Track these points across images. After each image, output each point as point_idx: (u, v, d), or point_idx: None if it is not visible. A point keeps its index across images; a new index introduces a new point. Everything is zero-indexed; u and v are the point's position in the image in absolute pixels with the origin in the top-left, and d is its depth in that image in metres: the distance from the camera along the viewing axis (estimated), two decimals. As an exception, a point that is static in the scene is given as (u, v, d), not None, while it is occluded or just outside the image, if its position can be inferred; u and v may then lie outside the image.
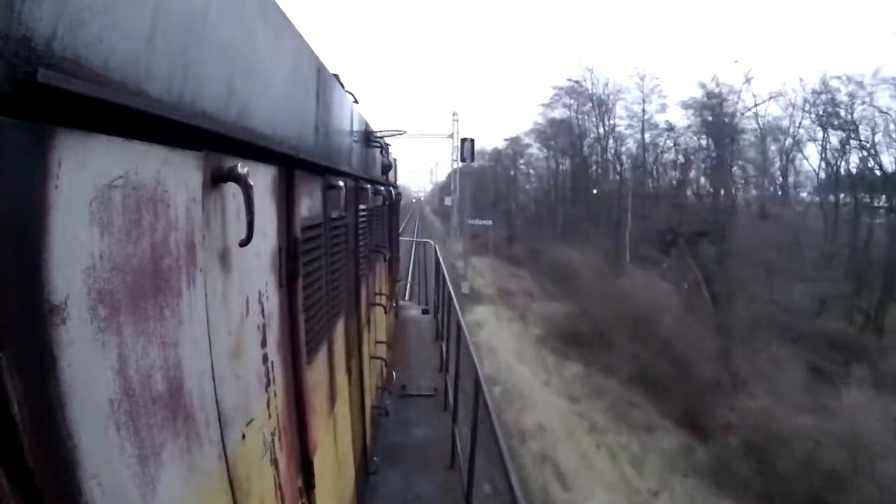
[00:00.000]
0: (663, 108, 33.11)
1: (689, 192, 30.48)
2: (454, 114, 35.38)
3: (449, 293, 6.07)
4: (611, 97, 33.59)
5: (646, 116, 32.29)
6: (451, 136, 35.05)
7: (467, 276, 25.97)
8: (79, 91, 0.65)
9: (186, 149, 0.99)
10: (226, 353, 1.20)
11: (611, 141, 33.87)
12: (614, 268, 27.83)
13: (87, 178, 0.71)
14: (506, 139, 42.09)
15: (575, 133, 35.41)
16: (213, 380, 1.11)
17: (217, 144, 1.11)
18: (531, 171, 40.51)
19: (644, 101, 32.59)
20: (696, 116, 30.34)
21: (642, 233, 29.83)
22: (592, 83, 34.00)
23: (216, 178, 1.13)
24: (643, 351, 19.65)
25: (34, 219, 0.62)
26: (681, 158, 31.66)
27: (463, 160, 24.32)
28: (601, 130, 34.23)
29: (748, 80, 27.32)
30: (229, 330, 1.23)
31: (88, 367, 0.70)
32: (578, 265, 26.51)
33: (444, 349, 6.55)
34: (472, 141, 23.46)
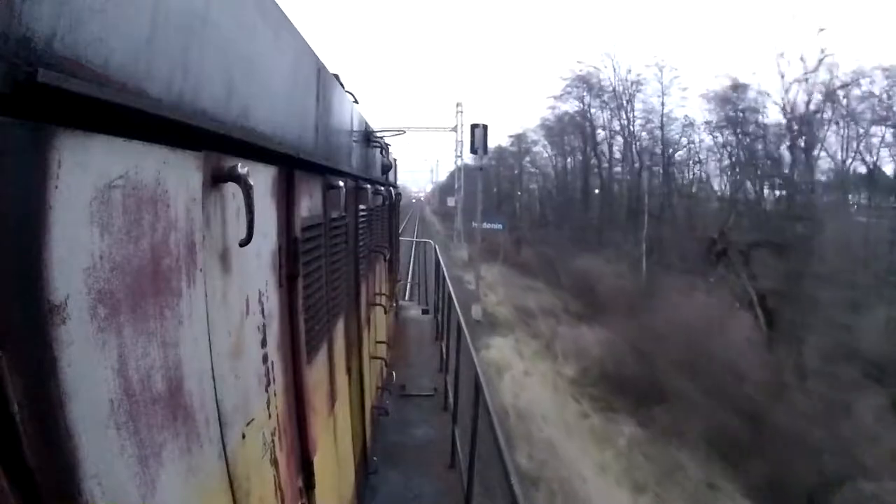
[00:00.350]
0: (680, 101, 30.07)
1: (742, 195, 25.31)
2: (458, 104, 32.13)
3: (449, 293, 6.07)
4: (633, 85, 29.46)
5: (665, 110, 28.39)
6: (455, 128, 31.45)
7: (479, 294, 20.61)
8: (79, 91, 0.65)
9: (186, 149, 0.99)
10: (226, 353, 1.20)
11: (627, 136, 29.81)
12: (637, 277, 23.47)
13: (87, 178, 0.71)
14: (510, 136, 39.31)
15: (587, 128, 31.70)
16: (213, 380, 1.11)
17: (217, 144, 1.11)
18: (536, 169, 37.75)
19: (663, 93, 28.45)
20: (719, 112, 25.93)
21: (666, 238, 25.17)
22: (615, 68, 29.76)
23: (216, 178, 1.13)
24: (709, 399, 14.61)
25: (34, 219, 0.62)
26: (699, 156, 27.51)
27: (474, 151, 19.95)
28: (618, 124, 30.32)
29: (826, 56, 21.35)
30: (229, 330, 1.23)
31: (88, 367, 0.70)
32: (600, 275, 22.48)
33: (444, 349, 6.55)
34: (485, 127, 19.36)
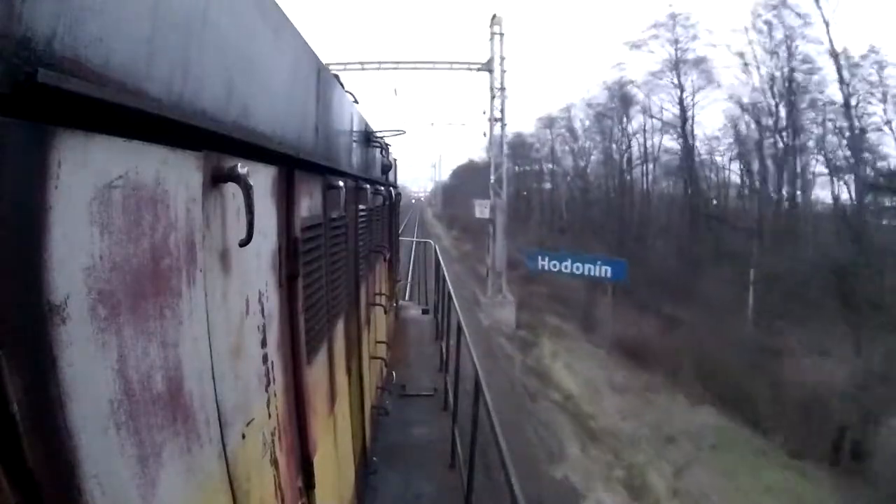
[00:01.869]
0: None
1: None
2: (494, 18, 17.12)
3: (449, 293, 6.07)
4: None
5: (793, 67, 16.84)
6: (489, 64, 17.11)
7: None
8: (79, 91, 0.65)
9: (186, 149, 0.99)
10: (226, 353, 1.20)
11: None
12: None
13: (87, 178, 0.71)
14: (541, 118, 27.29)
15: (679, 93, 19.47)
16: (213, 380, 1.11)
17: (217, 144, 1.11)
18: (554, 166, 26.89)
19: (792, 39, 16.84)
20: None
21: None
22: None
23: (216, 178, 1.13)
24: None
25: (34, 219, 0.62)
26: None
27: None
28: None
29: None
30: (229, 330, 1.23)
31: (88, 367, 0.70)
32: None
33: (444, 349, 6.55)
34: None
